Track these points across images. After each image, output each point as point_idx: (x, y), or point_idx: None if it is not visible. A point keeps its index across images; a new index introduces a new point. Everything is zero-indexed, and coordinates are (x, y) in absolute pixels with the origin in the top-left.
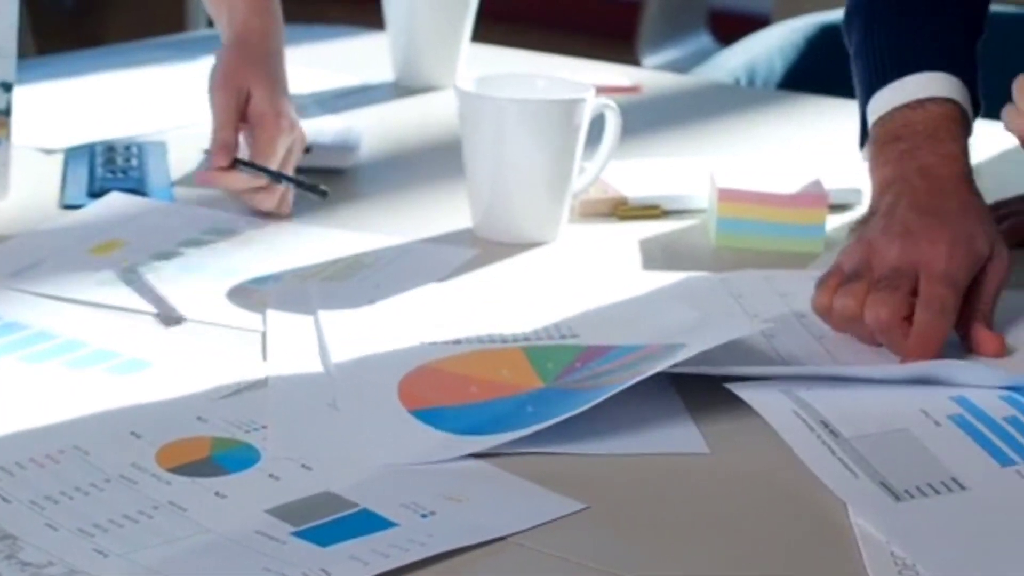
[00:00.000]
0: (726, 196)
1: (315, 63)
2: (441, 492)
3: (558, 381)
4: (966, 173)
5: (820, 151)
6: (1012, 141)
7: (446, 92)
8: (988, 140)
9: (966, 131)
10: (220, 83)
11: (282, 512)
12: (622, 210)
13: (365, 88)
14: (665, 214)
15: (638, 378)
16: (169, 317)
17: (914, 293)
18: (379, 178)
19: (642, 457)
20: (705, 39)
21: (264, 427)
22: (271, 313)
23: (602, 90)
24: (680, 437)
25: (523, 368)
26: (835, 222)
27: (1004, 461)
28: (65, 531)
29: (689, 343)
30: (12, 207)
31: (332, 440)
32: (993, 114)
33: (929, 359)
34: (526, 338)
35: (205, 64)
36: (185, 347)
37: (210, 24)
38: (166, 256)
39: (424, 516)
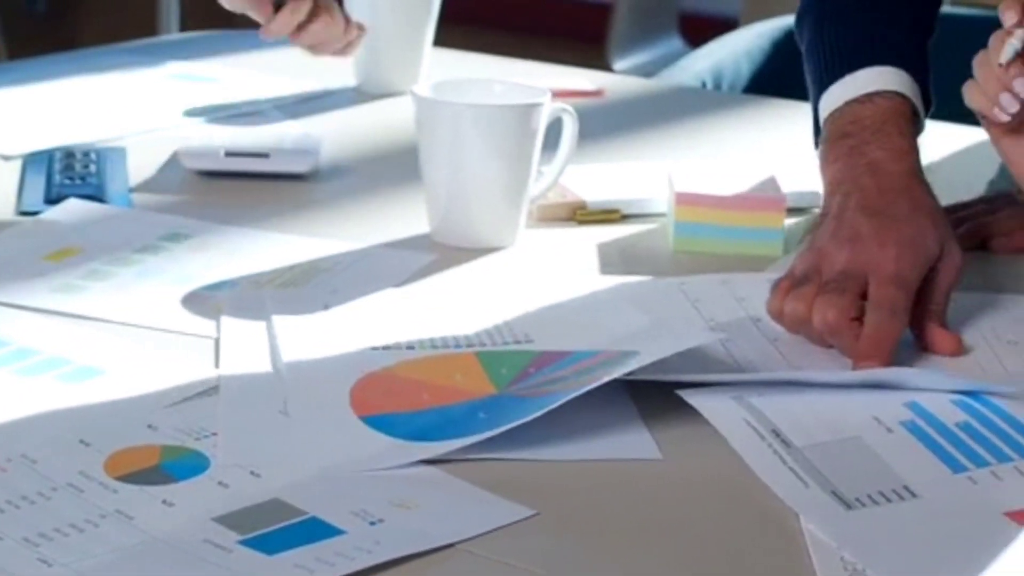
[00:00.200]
0: (684, 200)
1: (276, 68)
2: (390, 499)
3: (511, 387)
4: (916, 170)
5: (781, 154)
6: (965, 142)
7: (408, 97)
8: (941, 141)
9: (916, 127)
10: None
11: (229, 520)
12: (581, 214)
13: (327, 93)
14: (624, 218)
15: (591, 385)
16: (122, 324)
17: (864, 296)
18: (338, 184)
19: (594, 463)
20: (676, 42)
21: (215, 434)
22: (225, 319)
23: (565, 94)
24: (632, 443)
25: (476, 374)
26: (793, 225)
27: (956, 468)
28: (10, 540)
29: (644, 350)
30: None
31: (282, 447)
32: (946, 115)
33: (882, 361)
34: (481, 343)
35: (170, 69)
36: (138, 354)
37: (182, 28)
38: (121, 262)
39: (372, 523)
